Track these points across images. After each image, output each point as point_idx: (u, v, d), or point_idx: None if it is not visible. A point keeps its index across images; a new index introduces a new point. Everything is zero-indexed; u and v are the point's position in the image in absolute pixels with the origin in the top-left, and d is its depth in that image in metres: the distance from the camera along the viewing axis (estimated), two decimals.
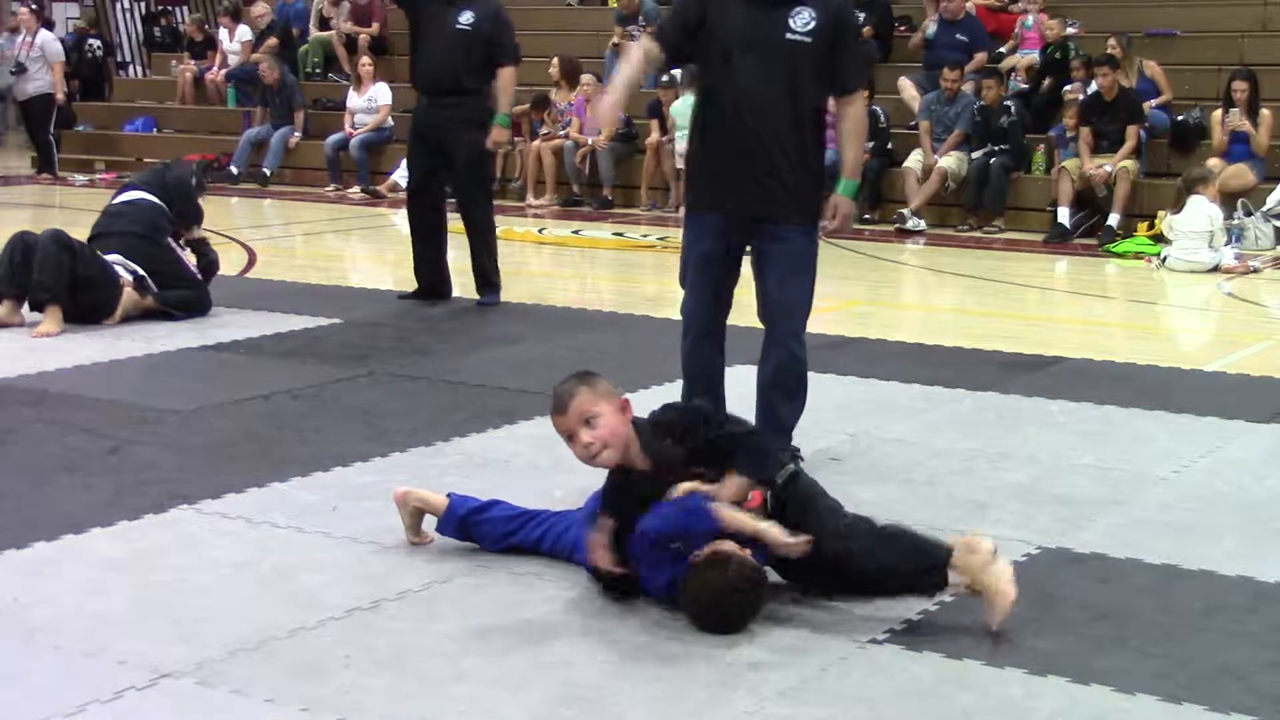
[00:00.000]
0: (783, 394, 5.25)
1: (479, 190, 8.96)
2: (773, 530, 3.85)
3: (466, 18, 8.59)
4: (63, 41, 18.88)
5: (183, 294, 8.38)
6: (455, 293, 9.09)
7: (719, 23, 5.02)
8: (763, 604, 3.93)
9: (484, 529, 4.43)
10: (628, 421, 4.02)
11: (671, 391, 6.70)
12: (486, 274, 8.98)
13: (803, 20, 4.97)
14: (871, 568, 3.97)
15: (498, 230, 8.90)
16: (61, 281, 7.89)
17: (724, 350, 5.41)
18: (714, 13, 5.03)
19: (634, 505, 3.96)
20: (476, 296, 8.98)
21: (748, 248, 5.21)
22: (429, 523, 4.53)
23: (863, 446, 5.82)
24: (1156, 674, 3.68)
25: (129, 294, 8.15)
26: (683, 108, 14.35)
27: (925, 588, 3.98)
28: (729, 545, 3.86)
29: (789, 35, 4.96)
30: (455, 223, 9.08)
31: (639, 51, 5.17)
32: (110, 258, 8.14)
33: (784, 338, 5.20)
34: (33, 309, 8.01)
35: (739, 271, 5.30)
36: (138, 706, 3.46)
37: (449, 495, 4.50)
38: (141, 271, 8.22)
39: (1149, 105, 13.11)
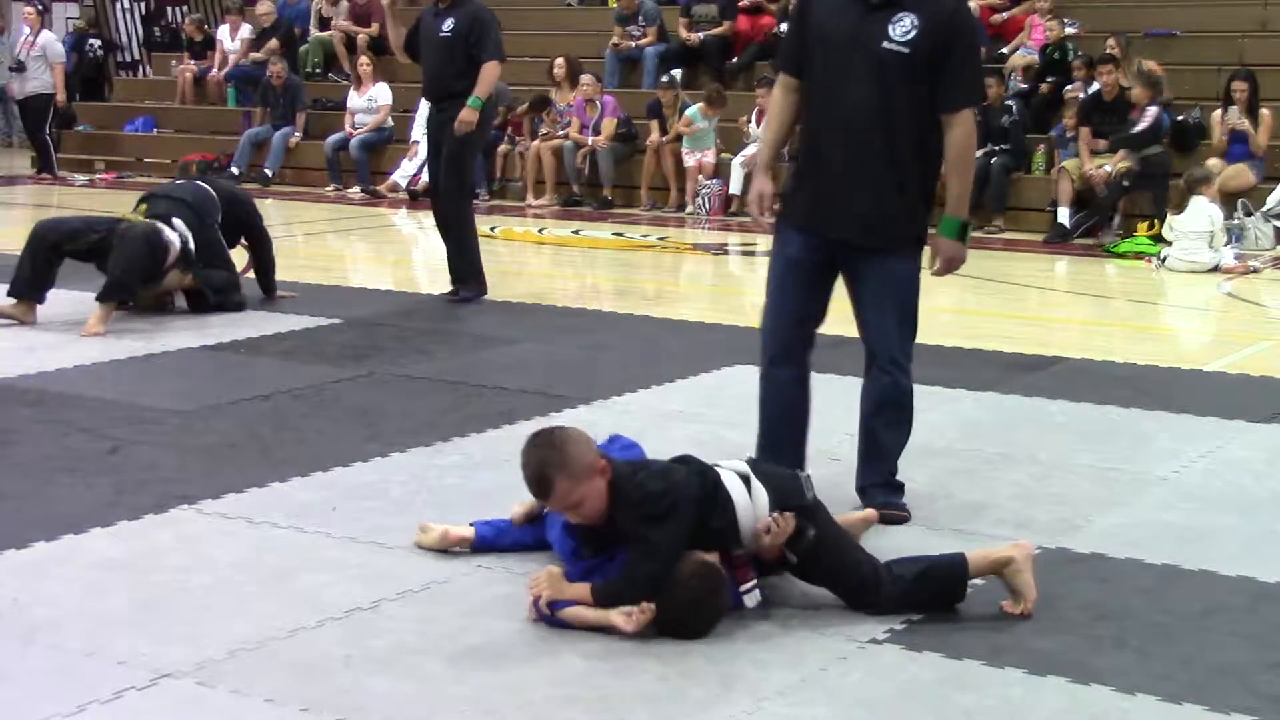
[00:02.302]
0: (884, 422, 4.93)
1: (455, 188, 9.06)
2: (616, 619, 3.80)
3: (448, 25, 8.82)
4: (63, 42, 18.87)
5: (223, 276, 8.46)
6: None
7: (816, 28, 4.66)
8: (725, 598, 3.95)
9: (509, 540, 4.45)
10: (608, 480, 3.89)
11: (670, 392, 6.71)
12: (458, 271, 9.08)
13: (902, 28, 4.50)
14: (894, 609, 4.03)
15: (498, 230, 8.91)
16: (138, 283, 8.01)
17: (806, 383, 4.96)
18: (816, 15, 4.67)
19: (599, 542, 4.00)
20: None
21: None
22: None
23: None
24: (1156, 674, 3.68)
25: (174, 275, 8.22)
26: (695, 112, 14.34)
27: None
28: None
29: (885, 44, 4.51)
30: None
31: (778, 93, 4.84)
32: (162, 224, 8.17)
33: (882, 363, 4.91)
34: (122, 295, 8.07)
35: (828, 292, 4.97)
36: (138, 707, 3.46)
37: (473, 525, 4.47)
38: (191, 239, 8.24)
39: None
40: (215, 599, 4.10)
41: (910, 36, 4.49)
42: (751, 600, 3.98)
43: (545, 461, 3.84)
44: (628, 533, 3.87)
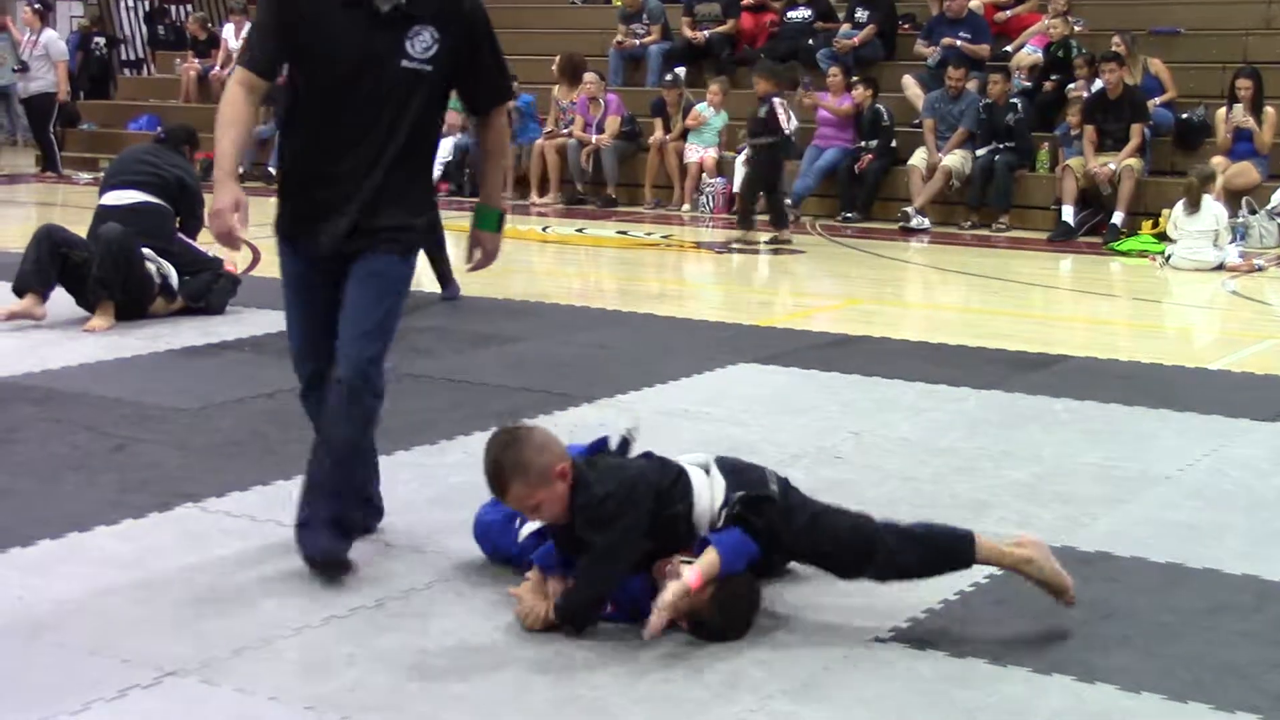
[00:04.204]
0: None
1: None
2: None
3: None
4: (67, 41, 18.87)
5: (204, 280, 8.43)
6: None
7: (310, 39, 4.16)
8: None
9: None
10: (568, 484, 3.82)
11: (674, 391, 6.71)
12: (442, 270, 9.01)
13: (422, 43, 4.12)
14: (893, 576, 3.98)
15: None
16: (118, 279, 7.98)
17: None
18: (306, 23, 4.15)
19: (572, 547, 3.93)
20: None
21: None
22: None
23: (866, 445, 5.81)
24: (1161, 672, 3.68)
25: (159, 302, 8.25)
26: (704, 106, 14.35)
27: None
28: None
29: (405, 63, 4.11)
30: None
31: (241, 94, 4.18)
32: (146, 252, 8.14)
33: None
34: (87, 308, 8.07)
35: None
36: (142, 704, 3.46)
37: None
38: (172, 276, 8.25)
39: (1153, 103, 13.09)
40: (220, 597, 4.10)
41: (433, 52, 4.10)
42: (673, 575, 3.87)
43: (500, 463, 3.83)
44: (581, 536, 3.85)
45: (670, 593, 3.72)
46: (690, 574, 3.74)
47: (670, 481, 3.92)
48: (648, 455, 4.07)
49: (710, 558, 3.79)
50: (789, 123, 12.12)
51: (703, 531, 3.92)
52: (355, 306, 4.19)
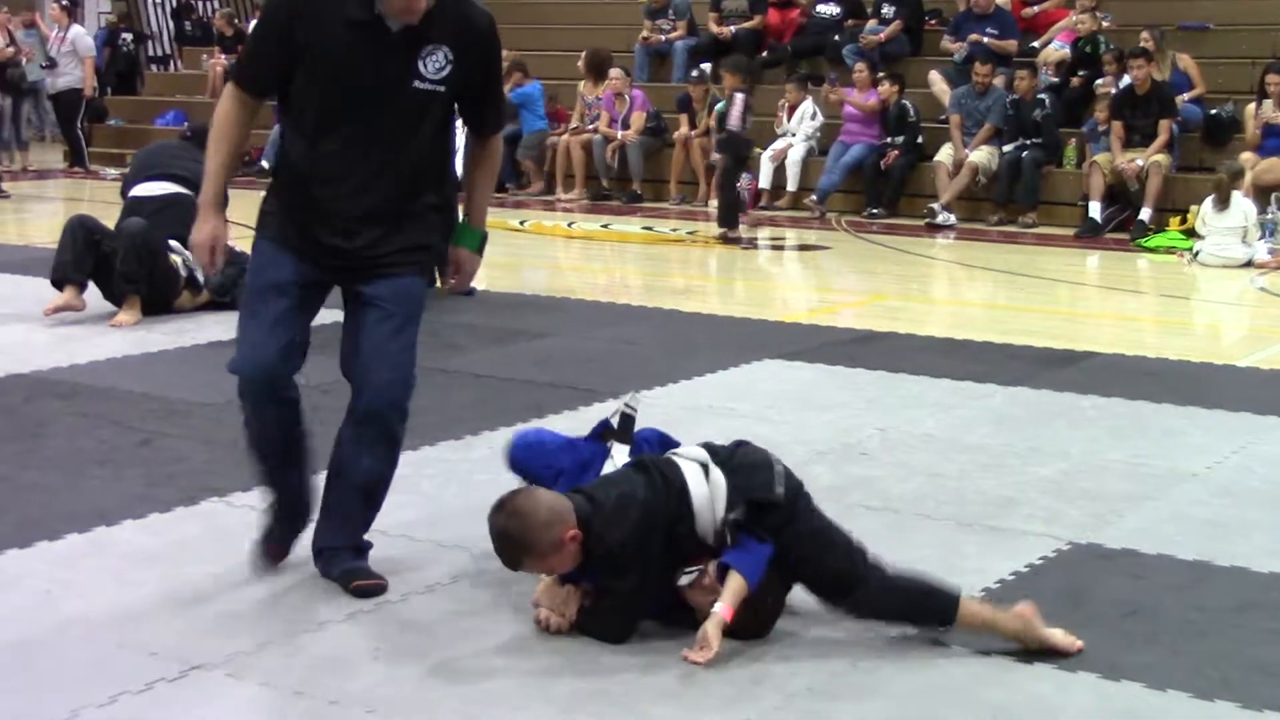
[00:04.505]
0: None
1: None
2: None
3: None
4: (95, 37, 18.95)
5: (229, 274, 8.44)
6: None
7: (316, 58, 3.95)
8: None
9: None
10: (579, 543, 3.74)
11: (699, 387, 6.71)
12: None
13: (435, 64, 3.94)
14: (867, 616, 3.87)
15: (527, 224, 8.85)
16: (143, 274, 8.02)
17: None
18: (312, 41, 3.93)
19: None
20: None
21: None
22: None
23: (892, 441, 5.80)
24: (1188, 670, 3.66)
25: (184, 295, 8.27)
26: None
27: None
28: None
29: (417, 84, 3.94)
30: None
31: (235, 109, 3.99)
32: (173, 244, 8.16)
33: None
34: (114, 301, 8.12)
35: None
36: (168, 697, 3.47)
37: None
38: (198, 269, 8.28)
39: (1181, 99, 13.02)
40: (245, 591, 4.11)
41: (446, 73, 3.94)
42: (686, 580, 3.83)
43: (507, 540, 3.74)
44: (597, 578, 3.82)
45: (712, 630, 3.65)
46: (722, 608, 3.68)
47: (675, 504, 3.80)
48: (644, 468, 3.88)
49: (736, 584, 3.72)
50: (741, 121, 12.06)
51: (708, 540, 3.82)
52: (379, 334, 4.03)
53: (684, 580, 3.81)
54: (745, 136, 12.14)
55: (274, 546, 4.29)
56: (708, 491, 3.82)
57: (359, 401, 4.10)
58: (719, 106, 14.29)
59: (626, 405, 4.20)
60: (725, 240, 11.99)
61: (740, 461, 3.91)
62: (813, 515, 3.90)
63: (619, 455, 4.12)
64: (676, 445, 4.18)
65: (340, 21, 3.84)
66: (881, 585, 3.81)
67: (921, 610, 3.83)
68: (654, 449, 4.19)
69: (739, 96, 11.98)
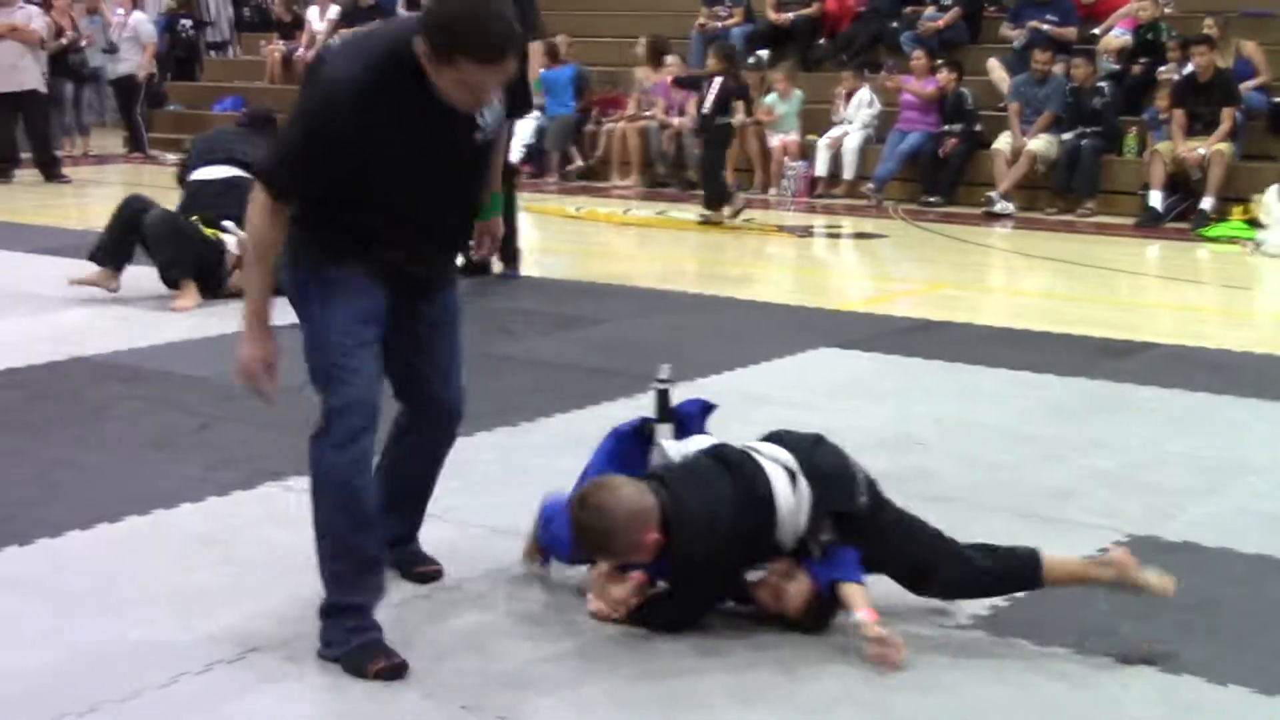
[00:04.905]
0: None
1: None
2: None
3: None
4: (155, 22, 19.09)
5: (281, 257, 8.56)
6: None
7: (392, 147, 3.63)
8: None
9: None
10: (657, 548, 3.68)
11: (755, 374, 6.69)
12: (503, 249, 9.02)
13: (492, 112, 3.72)
14: (955, 595, 3.90)
15: (582, 210, 8.85)
16: (181, 257, 8.14)
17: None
18: (385, 135, 3.59)
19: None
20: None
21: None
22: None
23: (949, 431, 5.76)
24: (1250, 665, 3.62)
25: (236, 274, 8.36)
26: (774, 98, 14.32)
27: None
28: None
29: (478, 134, 3.72)
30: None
31: (269, 220, 3.60)
32: (228, 225, 8.25)
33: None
34: (169, 286, 8.26)
35: None
36: (227, 679, 3.50)
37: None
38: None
39: (1246, 87, 12.86)
40: (303, 575, 4.12)
41: (498, 113, 3.77)
42: (755, 577, 3.81)
43: (587, 539, 3.71)
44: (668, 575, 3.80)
45: (884, 633, 3.60)
46: (864, 614, 3.63)
47: (761, 514, 3.73)
48: (729, 466, 3.77)
49: (853, 590, 3.68)
50: (715, 105, 12.10)
51: (785, 546, 3.77)
52: (450, 342, 3.96)
53: (753, 576, 3.79)
54: (720, 122, 12.17)
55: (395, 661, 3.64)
56: (794, 502, 3.74)
57: (441, 406, 3.98)
58: (770, 98, 14.29)
59: (658, 382, 4.09)
60: (705, 221, 12.02)
61: (821, 467, 3.81)
62: (888, 510, 3.88)
63: (665, 439, 4.03)
64: (715, 409, 4.13)
65: (404, 113, 3.51)
66: (962, 564, 3.80)
67: (1007, 579, 3.83)
68: (699, 422, 4.12)
69: (718, 80, 12.05)
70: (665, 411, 4.08)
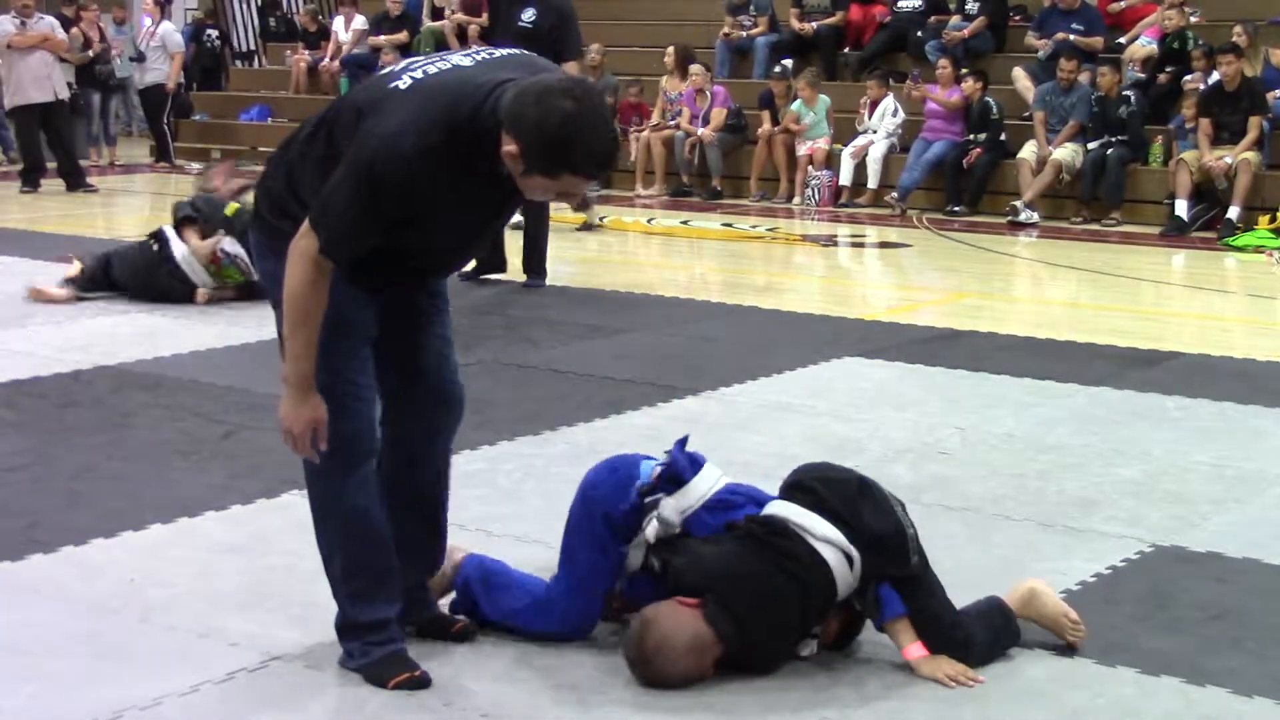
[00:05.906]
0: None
1: None
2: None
3: (529, 15, 8.69)
4: (181, 32, 19.19)
5: None
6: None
7: (452, 209, 3.51)
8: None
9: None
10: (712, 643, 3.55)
11: (779, 384, 6.68)
12: (529, 259, 9.17)
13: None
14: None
15: (606, 219, 8.85)
16: (150, 284, 8.48)
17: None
18: (448, 204, 3.47)
19: None
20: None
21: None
22: None
23: (972, 440, 5.75)
24: (1274, 676, 3.60)
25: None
26: (800, 106, 14.33)
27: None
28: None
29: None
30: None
31: (317, 285, 3.52)
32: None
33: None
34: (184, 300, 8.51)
35: None
36: (248, 687, 3.51)
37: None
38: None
39: (1273, 95, 12.80)
40: (325, 583, 4.13)
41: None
42: (806, 650, 3.68)
43: (641, 671, 3.55)
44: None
45: (938, 667, 3.56)
46: (916, 648, 3.58)
47: (824, 609, 3.62)
48: (787, 564, 3.55)
49: (904, 625, 3.61)
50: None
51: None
52: (446, 328, 3.95)
53: (805, 653, 3.67)
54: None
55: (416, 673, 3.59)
56: (851, 579, 3.60)
57: (441, 393, 3.93)
58: (795, 105, 14.29)
59: (665, 455, 3.82)
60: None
61: (875, 534, 3.61)
62: (929, 579, 3.71)
63: (665, 506, 3.70)
64: (771, 500, 3.75)
65: (465, 183, 3.36)
66: (964, 627, 3.69)
67: (1004, 638, 3.75)
68: (689, 471, 3.75)
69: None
70: (669, 481, 3.75)
